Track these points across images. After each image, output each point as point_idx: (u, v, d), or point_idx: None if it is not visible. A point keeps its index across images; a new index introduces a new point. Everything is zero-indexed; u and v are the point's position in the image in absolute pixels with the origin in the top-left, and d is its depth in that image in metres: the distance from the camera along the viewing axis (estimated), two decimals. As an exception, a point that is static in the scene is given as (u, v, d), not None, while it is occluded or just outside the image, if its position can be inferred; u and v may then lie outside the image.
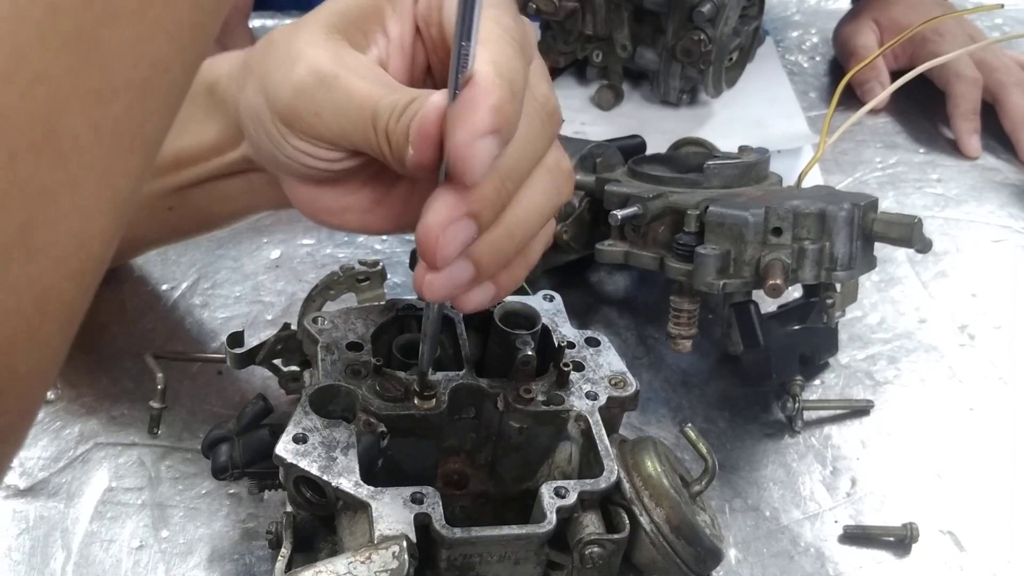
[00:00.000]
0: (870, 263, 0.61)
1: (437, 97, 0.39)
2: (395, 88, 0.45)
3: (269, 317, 0.68)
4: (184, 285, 0.70)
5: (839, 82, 0.96)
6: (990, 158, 0.88)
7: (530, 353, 0.48)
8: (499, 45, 0.40)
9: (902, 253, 0.76)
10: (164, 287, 0.69)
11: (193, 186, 0.56)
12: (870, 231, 0.59)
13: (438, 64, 0.49)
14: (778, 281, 0.55)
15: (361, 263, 0.62)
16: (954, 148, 0.88)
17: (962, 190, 0.84)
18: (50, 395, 0.62)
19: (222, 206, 0.59)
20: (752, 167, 0.64)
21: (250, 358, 0.53)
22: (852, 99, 0.92)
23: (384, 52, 0.48)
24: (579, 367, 0.50)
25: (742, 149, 0.66)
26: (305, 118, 0.45)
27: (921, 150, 0.89)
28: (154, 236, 0.64)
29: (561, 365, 0.49)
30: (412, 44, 0.49)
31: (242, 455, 0.50)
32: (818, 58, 1.01)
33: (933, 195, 0.83)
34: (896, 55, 0.95)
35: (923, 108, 0.93)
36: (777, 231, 0.58)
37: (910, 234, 0.58)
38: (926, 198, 0.83)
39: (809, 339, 0.64)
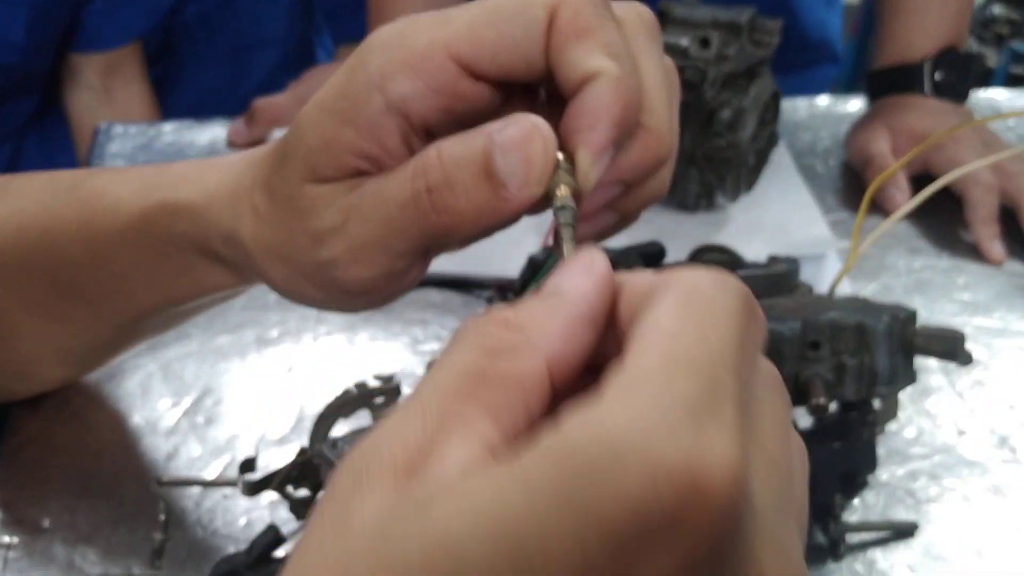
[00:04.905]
0: (910, 377, 0.58)
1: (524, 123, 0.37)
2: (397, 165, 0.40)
3: (278, 436, 0.65)
4: (187, 401, 0.67)
5: (855, 185, 0.96)
6: (1016, 264, 0.85)
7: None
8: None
9: (935, 361, 0.73)
10: (167, 404, 0.66)
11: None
12: (910, 345, 0.56)
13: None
14: (821, 400, 0.52)
15: (376, 378, 0.59)
16: (977, 253, 0.86)
17: (990, 296, 0.82)
18: (45, 523, 0.58)
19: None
20: (783, 277, 0.62)
21: (264, 485, 0.50)
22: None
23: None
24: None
25: (771, 259, 0.64)
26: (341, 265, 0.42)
27: (945, 255, 0.87)
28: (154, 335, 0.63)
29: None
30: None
31: (253, 593, 0.46)
32: (832, 161, 1.00)
33: (961, 302, 0.81)
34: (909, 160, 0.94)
35: (941, 211, 0.91)
36: (815, 345, 0.55)
37: (954, 348, 0.56)
38: (955, 305, 0.80)
39: (849, 456, 0.60)
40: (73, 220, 0.51)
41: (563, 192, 0.37)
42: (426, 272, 0.43)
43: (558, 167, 0.37)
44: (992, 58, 2.60)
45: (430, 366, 0.61)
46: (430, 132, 0.40)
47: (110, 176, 0.52)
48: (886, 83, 1.02)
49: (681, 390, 0.25)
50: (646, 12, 0.41)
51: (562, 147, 0.37)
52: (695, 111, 0.79)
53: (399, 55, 0.38)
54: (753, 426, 0.27)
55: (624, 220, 0.42)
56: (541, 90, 0.41)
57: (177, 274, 0.50)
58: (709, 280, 0.28)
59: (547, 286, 0.30)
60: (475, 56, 0.38)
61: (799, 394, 0.54)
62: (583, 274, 0.30)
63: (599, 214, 0.41)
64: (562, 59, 0.38)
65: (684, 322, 0.26)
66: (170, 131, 1.02)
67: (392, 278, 0.41)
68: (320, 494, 0.53)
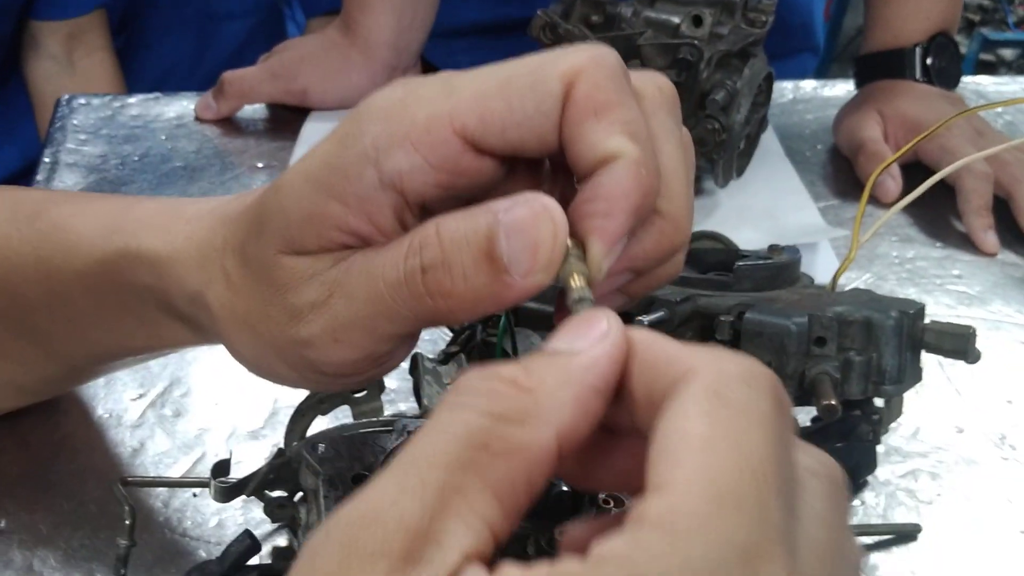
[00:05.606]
0: (917, 375, 0.55)
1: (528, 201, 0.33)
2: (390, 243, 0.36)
3: (250, 429, 0.61)
4: (154, 393, 0.63)
5: (843, 170, 0.94)
6: (1010, 254, 0.84)
7: (564, 488, 0.42)
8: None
9: (931, 355, 0.71)
10: (132, 396, 0.63)
11: None
12: (919, 341, 0.54)
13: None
14: (832, 401, 0.49)
15: (356, 372, 0.56)
16: (971, 242, 0.84)
17: (985, 287, 0.80)
18: (1, 523, 0.54)
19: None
20: (784, 268, 0.59)
21: (238, 490, 0.46)
22: (856, 189, 0.88)
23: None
24: (619, 502, 0.44)
25: (772, 248, 0.61)
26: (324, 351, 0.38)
27: (938, 244, 0.85)
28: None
29: (600, 501, 0.43)
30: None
31: (227, 606, 0.43)
32: (820, 146, 0.98)
33: (956, 293, 0.79)
34: (898, 144, 0.92)
35: (933, 200, 0.88)
36: (821, 341, 0.52)
37: (965, 345, 0.53)
38: (949, 296, 0.78)
39: (850, 457, 0.58)
40: (30, 255, 0.47)
41: (578, 283, 0.33)
42: (411, 353, 0.39)
43: (568, 253, 0.33)
44: (962, 45, 2.59)
45: (414, 360, 0.58)
46: (425, 207, 0.36)
47: (72, 208, 0.48)
48: (875, 68, 1.00)
49: (730, 531, 0.23)
50: (666, 84, 0.38)
51: (571, 230, 0.34)
52: (687, 92, 0.76)
53: (398, 127, 0.34)
54: (798, 546, 0.25)
55: (631, 302, 0.39)
56: (546, 160, 0.37)
57: (136, 325, 0.46)
58: (737, 374, 0.26)
59: (557, 340, 0.28)
60: (482, 130, 0.34)
61: (805, 393, 0.52)
62: (598, 339, 0.28)
63: (605, 298, 0.37)
64: (577, 137, 0.34)
65: (715, 429, 0.25)
66: (135, 104, 0.98)
67: (373, 361, 0.37)
68: (298, 498, 0.50)
